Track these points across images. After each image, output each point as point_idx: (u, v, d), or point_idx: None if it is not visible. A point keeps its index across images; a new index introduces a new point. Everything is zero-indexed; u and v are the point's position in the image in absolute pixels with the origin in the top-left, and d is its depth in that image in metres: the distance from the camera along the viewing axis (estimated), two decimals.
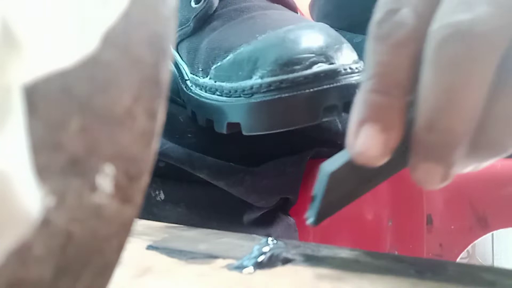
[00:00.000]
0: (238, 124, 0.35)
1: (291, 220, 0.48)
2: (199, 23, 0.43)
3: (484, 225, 0.42)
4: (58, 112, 0.11)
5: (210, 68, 0.39)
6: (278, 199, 0.46)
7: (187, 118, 0.44)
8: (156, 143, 0.12)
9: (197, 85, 0.41)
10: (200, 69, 0.41)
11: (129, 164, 0.12)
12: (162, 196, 0.44)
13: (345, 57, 0.33)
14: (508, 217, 0.43)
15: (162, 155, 0.41)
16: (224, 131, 0.37)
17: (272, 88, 0.32)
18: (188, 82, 0.43)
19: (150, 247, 0.26)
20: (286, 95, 0.32)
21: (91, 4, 0.12)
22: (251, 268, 0.22)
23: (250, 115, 0.34)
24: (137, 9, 0.12)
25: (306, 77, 0.32)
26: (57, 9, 0.11)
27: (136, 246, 0.26)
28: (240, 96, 0.35)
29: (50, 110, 0.11)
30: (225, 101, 0.36)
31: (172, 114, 0.44)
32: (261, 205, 0.45)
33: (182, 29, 0.44)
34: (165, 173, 0.43)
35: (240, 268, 0.22)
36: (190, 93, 0.42)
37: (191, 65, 0.43)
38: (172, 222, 0.43)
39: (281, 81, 0.32)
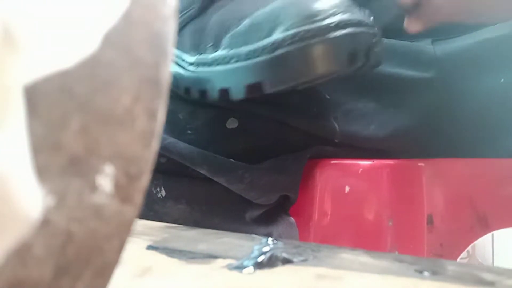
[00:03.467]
0: (258, 84, 0.35)
1: (292, 219, 0.48)
2: (206, 2, 0.42)
3: (485, 225, 0.42)
4: (58, 112, 0.11)
5: (223, 39, 0.39)
6: (278, 196, 0.46)
7: (187, 115, 0.44)
8: (156, 143, 0.12)
9: (204, 63, 0.40)
10: (210, 45, 0.40)
11: (129, 164, 0.12)
12: (163, 193, 0.44)
13: (358, 11, 0.35)
14: (508, 217, 0.43)
15: (163, 149, 0.41)
16: (243, 95, 0.36)
17: (296, 39, 0.33)
18: (191, 67, 0.42)
19: (150, 247, 0.26)
20: (314, 40, 0.33)
21: (91, 4, 0.12)
22: (251, 268, 0.22)
23: (274, 69, 0.34)
24: (137, 9, 0.12)
25: (328, 25, 0.33)
26: (57, 10, 0.11)
27: (136, 246, 0.26)
28: (260, 56, 0.35)
29: (50, 110, 0.11)
30: (243, 65, 0.36)
31: (172, 111, 0.44)
32: (261, 202, 0.45)
33: (185, 13, 0.44)
34: (166, 169, 0.43)
35: (240, 268, 0.22)
36: (194, 74, 0.41)
37: (195, 47, 0.42)
38: (173, 218, 0.43)
39: (306, 31, 0.33)
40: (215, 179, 0.42)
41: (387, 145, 0.48)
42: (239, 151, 0.44)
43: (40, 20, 0.11)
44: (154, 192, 0.44)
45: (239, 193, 0.43)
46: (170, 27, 0.13)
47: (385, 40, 0.50)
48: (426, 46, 0.48)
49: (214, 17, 0.41)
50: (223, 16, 0.40)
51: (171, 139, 0.42)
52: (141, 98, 0.12)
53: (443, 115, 0.48)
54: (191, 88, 0.42)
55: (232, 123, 0.44)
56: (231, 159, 0.42)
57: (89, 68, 0.11)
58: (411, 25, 0.42)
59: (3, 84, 0.10)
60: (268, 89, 0.35)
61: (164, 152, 0.41)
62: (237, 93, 0.37)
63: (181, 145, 0.42)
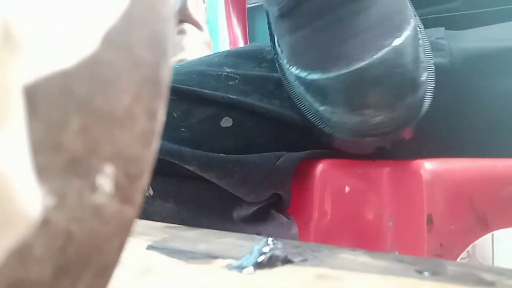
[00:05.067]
0: None
1: (284, 219, 0.48)
2: None
3: (484, 225, 0.42)
4: (58, 112, 0.11)
5: None
6: (269, 195, 0.45)
7: (181, 114, 0.44)
8: (156, 143, 0.12)
9: None
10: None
11: (129, 164, 0.12)
12: (151, 191, 0.44)
13: None
14: (508, 217, 0.43)
15: None
16: None
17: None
18: None
19: (150, 247, 0.26)
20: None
21: (91, 4, 0.12)
22: (251, 268, 0.22)
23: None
24: (137, 9, 0.12)
25: None
26: (57, 10, 0.11)
27: (136, 246, 0.26)
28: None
29: (50, 110, 0.11)
30: None
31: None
32: (251, 199, 0.45)
33: None
34: (154, 168, 0.43)
35: (240, 268, 0.22)
36: None
37: None
38: (161, 217, 0.43)
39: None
40: (204, 175, 0.42)
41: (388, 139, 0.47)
42: (232, 150, 0.44)
43: (40, 20, 0.11)
44: None
45: (229, 189, 0.43)
46: (170, 27, 0.13)
47: None
48: (440, 41, 0.47)
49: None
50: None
51: None
52: (141, 98, 0.12)
53: (451, 111, 0.47)
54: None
55: (226, 122, 0.44)
56: (222, 154, 0.43)
57: (89, 68, 0.11)
58: None
59: (3, 84, 0.10)
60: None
61: None
62: None
63: (170, 144, 0.42)
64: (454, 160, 0.44)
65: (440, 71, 0.46)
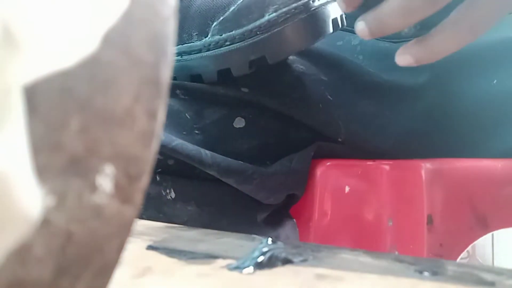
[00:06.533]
0: (263, 58, 0.40)
1: (293, 220, 0.48)
2: None
3: (484, 225, 0.42)
4: (58, 112, 0.11)
5: (210, 26, 0.42)
6: (285, 196, 0.46)
7: (194, 114, 0.44)
8: (156, 144, 0.12)
9: (191, 51, 0.43)
10: (195, 33, 0.43)
11: (129, 164, 0.12)
12: (172, 194, 0.43)
13: None
14: (508, 217, 0.43)
15: (171, 151, 0.41)
16: (247, 70, 0.41)
17: (288, 16, 0.39)
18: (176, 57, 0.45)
19: (150, 247, 0.26)
20: (303, 15, 0.39)
21: (91, 4, 0.12)
22: (251, 268, 0.22)
23: (274, 44, 0.40)
24: (137, 9, 0.12)
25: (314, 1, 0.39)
26: (57, 9, 0.11)
27: (136, 246, 0.26)
28: (256, 35, 0.39)
29: (50, 110, 0.11)
30: (242, 45, 0.40)
31: (179, 111, 0.43)
32: (269, 202, 0.45)
33: None
34: (175, 171, 0.42)
35: (240, 268, 0.22)
36: (179, 63, 0.44)
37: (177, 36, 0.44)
38: (182, 220, 0.43)
39: (295, 8, 0.39)
40: (223, 179, 0.42)
41: (385, 147, 0.48)
42: (247, 151, 0.44)
43: (40, 20, 0.11)
44: (164, 194, 0.43)
45: (249, 194, 0.44)
46: (170, 27, 0.13)
47: (382, 43, 0.50)
48: None
49: (194, 9, 0.43)
50: (205, 6, 0.43)
51: (178, 141, 0.42)
52: (141, 98, 0.12)
53: (437, 119, 0.48)
54: (177, 77, 0.44)
55: (239, 123, 0.44)
56: (240, 161, 0.43)
57: (89, 68, 0.11)
58: (402, 57, 0.36)
59: (3, 84, 0.10)
60: (271, 60, 0.40)
61: (172, 154, 0.41)
62: (240, 70, 0.41)
63: (190, 147, 0.42)
64: (454, 160, 0.44)
65: (420, 81, 0.47)
